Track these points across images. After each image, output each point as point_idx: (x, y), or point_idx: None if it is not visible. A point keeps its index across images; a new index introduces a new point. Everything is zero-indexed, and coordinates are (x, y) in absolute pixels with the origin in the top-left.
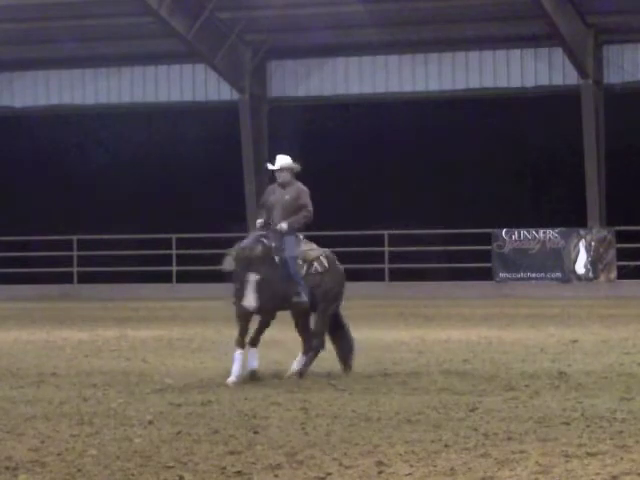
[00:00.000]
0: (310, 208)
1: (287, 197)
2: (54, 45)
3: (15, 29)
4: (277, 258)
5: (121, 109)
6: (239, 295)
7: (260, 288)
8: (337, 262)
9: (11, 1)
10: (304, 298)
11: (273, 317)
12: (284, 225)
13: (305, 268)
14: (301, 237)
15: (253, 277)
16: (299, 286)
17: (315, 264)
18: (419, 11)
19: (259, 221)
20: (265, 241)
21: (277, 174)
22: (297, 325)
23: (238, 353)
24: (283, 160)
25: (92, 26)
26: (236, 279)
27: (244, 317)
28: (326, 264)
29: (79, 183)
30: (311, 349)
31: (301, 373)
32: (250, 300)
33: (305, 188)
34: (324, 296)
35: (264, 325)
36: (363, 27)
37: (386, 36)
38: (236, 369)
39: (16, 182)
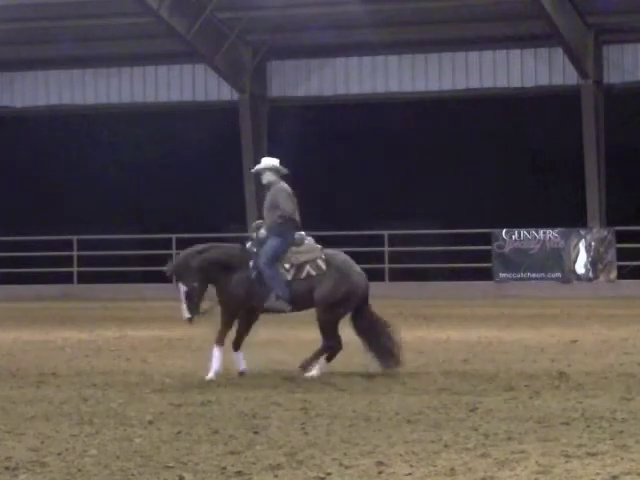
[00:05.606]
0: (283, 207)
1: (268, 199)
2: (54, 45)
3: (15, 29)
4: (252, 263)
5: (121, 109)
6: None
7: (191, 297)
8: (348, 263)
9: (11, 1)
10: (275, 302)
11: (235, 318)
12: (262, 231)
13: (293, 273)
14: (305, 238)
15: (182, 288)
16: (272, 290)
17: (307, 267)
18: (419, 11)
19: (255, 222)
20: (247, 246)
21: (261, 176)
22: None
23: (216, 350)
24: (265, 162)
25: (92, 26)
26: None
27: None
28: (323, 267)
29: (79, 183)
30: (320, 349)
31: (304, 367)
32: (182, 310)
33: (282, 188)
34: (323, 299)
35: (222, 326)
36: (363, 27)
37: (386, 36)
38: (215, 366)
39: (16, 182)
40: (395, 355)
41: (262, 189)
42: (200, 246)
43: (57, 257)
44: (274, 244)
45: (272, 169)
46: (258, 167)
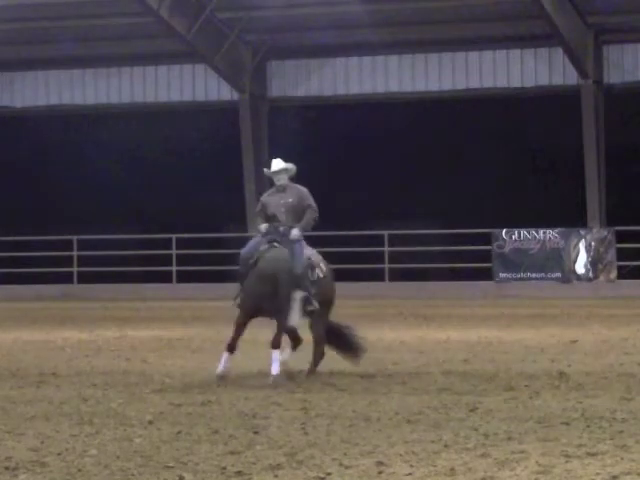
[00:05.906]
0: (315, 207)
1: (290, 200)
2: (54, 45)
3: (15, 29)
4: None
5: (121, 109)
6: (244, 300)
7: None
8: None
9: (11, 1)
10: (315, 305)
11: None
12: (297, 232)
13: (309, 275)
14: (303, 242)
15: (299, 295)
16: (308, 293)
17: (317, 270)
18: (419, 11)
19: (264, 226)
20: (277, 247)
21: (275, 177)
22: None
23: (226, 355)
24: (280, 163)
25: (92, 26)
26: (249, 286)
27: (243, 324)
28: (325, 269)
29: (79, 183)
30: (316, 355)
31: (312, 372)
32: (295, 319)
33: (305, 188)
34: (323, 301)
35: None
36: (363, 27)
37: (386, 36)
38: (221, 367)
39: (16, 182)
40: (358, 345)
41: (262, 189)
42: (268, 252)
43: (57, 257)
44: (303, 244)
45: (285, 170)
46: (276, 168)
